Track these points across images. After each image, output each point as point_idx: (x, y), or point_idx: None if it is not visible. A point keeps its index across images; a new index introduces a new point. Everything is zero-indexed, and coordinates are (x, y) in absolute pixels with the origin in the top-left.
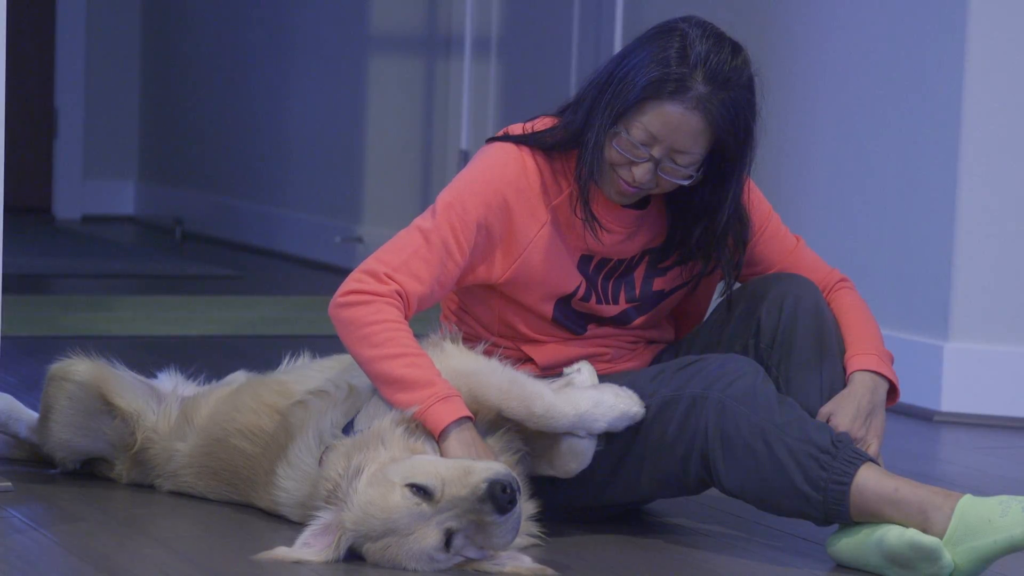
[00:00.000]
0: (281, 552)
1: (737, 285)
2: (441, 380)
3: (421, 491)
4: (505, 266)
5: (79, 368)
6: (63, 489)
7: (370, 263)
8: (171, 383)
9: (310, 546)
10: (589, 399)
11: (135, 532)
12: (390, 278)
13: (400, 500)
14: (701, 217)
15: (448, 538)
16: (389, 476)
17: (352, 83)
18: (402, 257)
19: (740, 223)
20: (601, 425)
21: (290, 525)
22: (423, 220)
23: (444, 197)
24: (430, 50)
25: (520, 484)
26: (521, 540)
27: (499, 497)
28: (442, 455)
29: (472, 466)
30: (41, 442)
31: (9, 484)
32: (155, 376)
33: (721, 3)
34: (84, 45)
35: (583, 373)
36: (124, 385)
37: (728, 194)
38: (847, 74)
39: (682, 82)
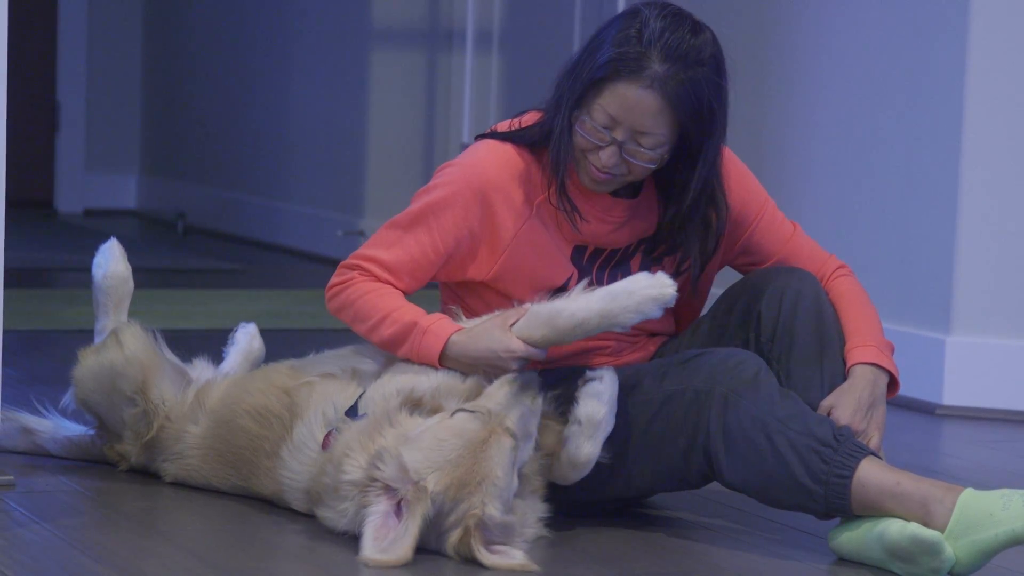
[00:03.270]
0: (373, 561)
1: (731, 276)
2: (420, 318)
3: (469, 412)
4: (491, 263)
5: (133, 344)
6: (65, 483)
7: (346, 260)
8: (199, 370)
9: (381, 539)
10: (604, 296)
11: (137, 526)
12: (359, 265)
13: (460, 418)
14: (674, 200)
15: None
16: (430, 421)
17: (354, 77)
18: (374, 251)
19: (715, 207)
20: (629, 317)
21: (293, 519)
22: (401, 217)
23: (423, 196)
24: (432, 44)
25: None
26: (530, 531)
27: (531, 375)
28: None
29: (491, 386)
30: (73, 379)
31: (11, 478)
32: (190, 362)
33: (722, 2)
34: (86, 39)
35: (604, 383)
36: (164, 376)
37: (695, 175)
38: (849, 72)
39: (638, 62)
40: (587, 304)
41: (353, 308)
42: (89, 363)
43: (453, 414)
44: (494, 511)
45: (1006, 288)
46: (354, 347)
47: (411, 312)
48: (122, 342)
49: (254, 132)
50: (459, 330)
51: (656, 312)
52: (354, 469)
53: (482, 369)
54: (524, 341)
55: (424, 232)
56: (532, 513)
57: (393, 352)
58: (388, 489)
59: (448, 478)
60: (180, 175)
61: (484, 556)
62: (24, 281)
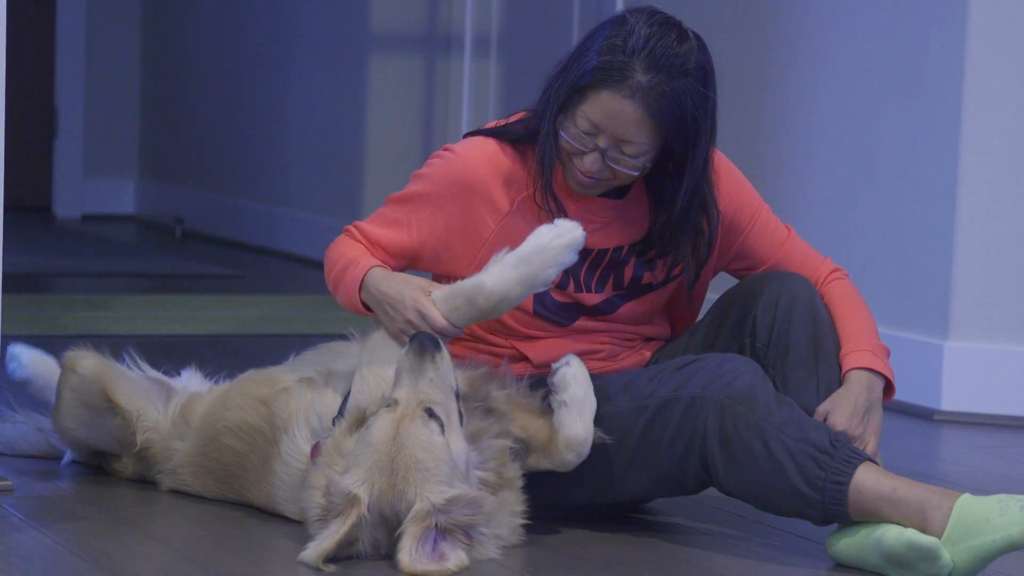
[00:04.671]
0: (305, 556)
1: (726, 282)
2: (360, 256)
3: (386, 408)
4: (471, 258)
5: (85, 363)
6: (63, 488)
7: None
8: (186, 381)
9: (319, 537)
10: (517, 262)
11: (135, 531)
12: (348, 229)
13: (371, 422)
14: (664, 208)
15: (432, 415)
16: (357, 437)
17: (352, 82)
18: (364, 221)
19: (706, 214)
20: (550, 272)
21: (288, 524)
22: (393, 195)
23: (412, 182)
24: (430, 49)
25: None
26: (511, 536)
27: (421, 336)
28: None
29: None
30: (53, 428)
31: (9, 483)
32: (178, 375)
33: (723, 2)
34: (84, 44)
35: (572, 366)
36: (127, 384)
37: (683, 184)
38: (848, 74)
39: (621, 71)
40: (503, 277)
41: (327, 262)
42: (58, 404)
43: (372, 419)
44: (433, 495)
45: (1004, 293)
46: (336, 343)
47: (356, 254)
48: (75, 365)
49: (252, 137)
50: (382, 266)
51: (573, 257)
52: (314, 508)
53: (385, 310)
54: (443, 315)
55: (403, 215)
56: (505, 510)
57: (338, 298)
58: (340, 514)
59: (376, 486)
60: (178, 180)
61: (404, 556)
62: (22, 286)
